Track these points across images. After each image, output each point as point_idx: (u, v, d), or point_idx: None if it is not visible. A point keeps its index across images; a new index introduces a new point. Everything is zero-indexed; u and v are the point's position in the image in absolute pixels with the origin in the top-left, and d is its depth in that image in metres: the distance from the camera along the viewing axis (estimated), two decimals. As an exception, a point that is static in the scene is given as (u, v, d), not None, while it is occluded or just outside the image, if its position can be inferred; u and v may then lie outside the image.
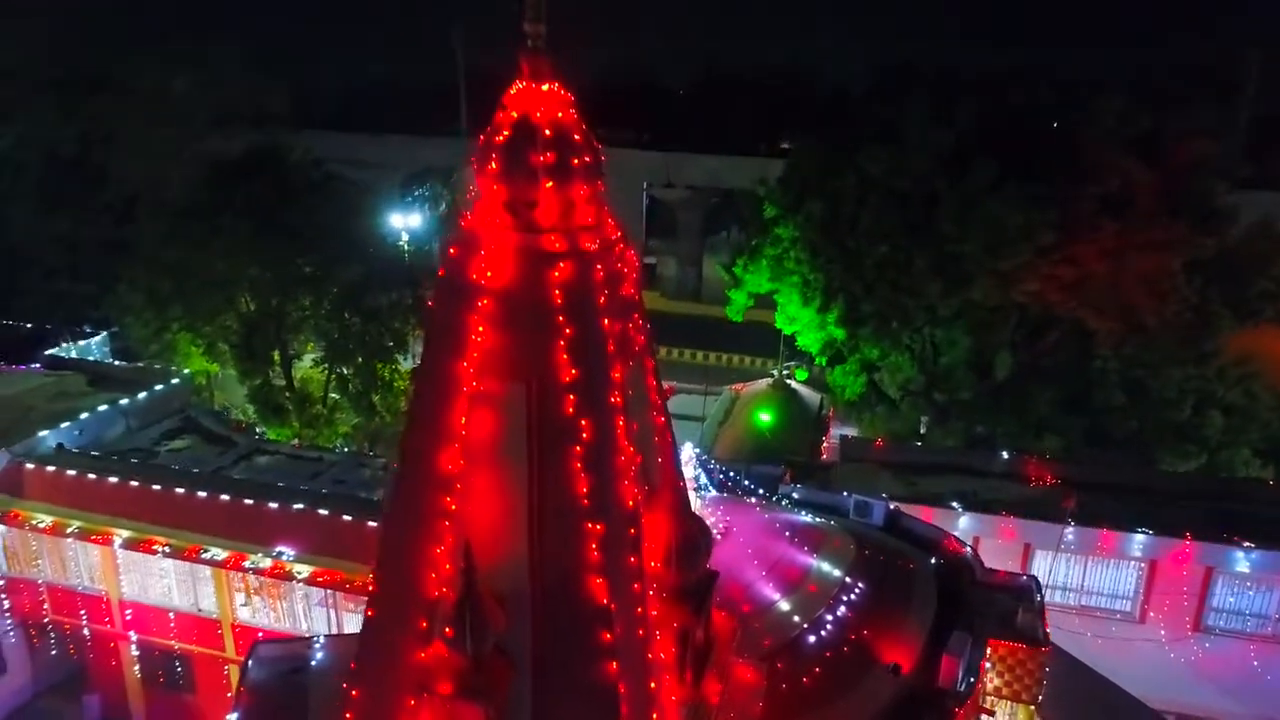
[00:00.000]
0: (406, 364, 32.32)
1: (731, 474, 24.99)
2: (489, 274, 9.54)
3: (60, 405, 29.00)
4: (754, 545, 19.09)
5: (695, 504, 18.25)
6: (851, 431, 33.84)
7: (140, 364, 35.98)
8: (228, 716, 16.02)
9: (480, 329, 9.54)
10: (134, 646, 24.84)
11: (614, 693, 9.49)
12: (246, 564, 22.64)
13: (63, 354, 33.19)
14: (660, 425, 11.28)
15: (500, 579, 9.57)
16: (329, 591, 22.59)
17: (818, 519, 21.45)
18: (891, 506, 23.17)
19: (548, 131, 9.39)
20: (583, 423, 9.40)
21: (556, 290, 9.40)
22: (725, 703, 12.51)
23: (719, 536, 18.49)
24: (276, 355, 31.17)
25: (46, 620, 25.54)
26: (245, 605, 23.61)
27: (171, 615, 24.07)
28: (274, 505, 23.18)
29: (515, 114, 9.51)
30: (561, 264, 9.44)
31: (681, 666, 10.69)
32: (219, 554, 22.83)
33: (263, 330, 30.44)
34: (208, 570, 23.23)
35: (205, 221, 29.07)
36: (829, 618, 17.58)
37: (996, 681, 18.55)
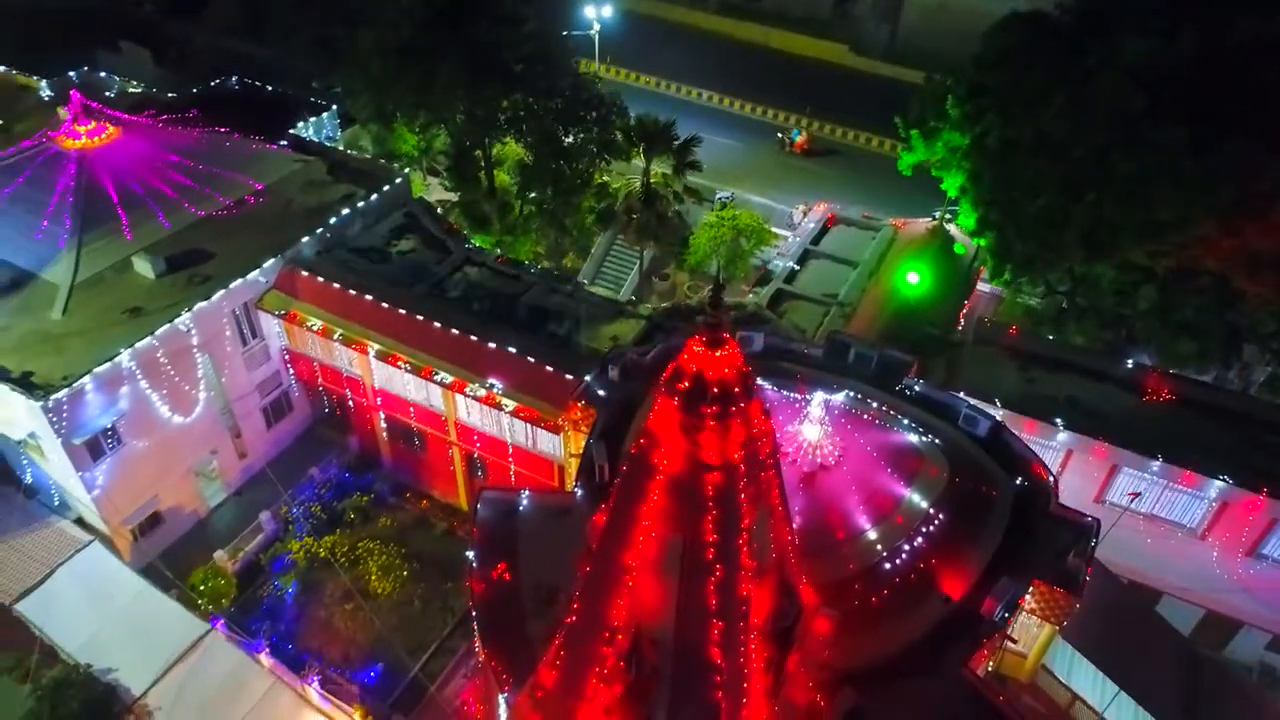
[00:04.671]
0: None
1: (862, 359, 27.88)
2: (665, 462, 13.67)
3: (311, 198, 34.75)
4: (858, 475, 23.19)
5: (820, 433, 22.34)
6: (998, 290, 35.61)
7: (366, 136, 40.63)
8: (467, 552, 23.04)
9: (655, 494, 13.91)
10: (383, 419, 32.78)
11: (718, 705, 15.19)
12: (467, 390, 29.07)
13: (302, 134, 38.33)
14: (778, 516, 15.62)
15: (655, 631, 14.97)
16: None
17: (923, 438, 24.96)
18: (998, 418, 26.30)
19: (715, 390, 12.87)
20: (718, 567, 14.01)
21: (710, 488, 13.51)
22: (801, 657, 18.05)
23: (832, 463, 22.76)
24: (482, 175, 35.18)
25: (318, 386, 33.65)
26: (464, 410, 30.51)
27: (411, 407, 31.46)
28: (490, 345, 28.85)
29: (694, 368, 12.96)
30: (716, 472, 13.43)
31: (768, 673, 16.18)
32: (447, 378, 29.31)
33: (469, 155, 34.20)
34: (437, 384, 29.91)
35: (426, 64, 31.69)
36: (906, 548, 21.96)
37: (1031, 605, 22.91)
